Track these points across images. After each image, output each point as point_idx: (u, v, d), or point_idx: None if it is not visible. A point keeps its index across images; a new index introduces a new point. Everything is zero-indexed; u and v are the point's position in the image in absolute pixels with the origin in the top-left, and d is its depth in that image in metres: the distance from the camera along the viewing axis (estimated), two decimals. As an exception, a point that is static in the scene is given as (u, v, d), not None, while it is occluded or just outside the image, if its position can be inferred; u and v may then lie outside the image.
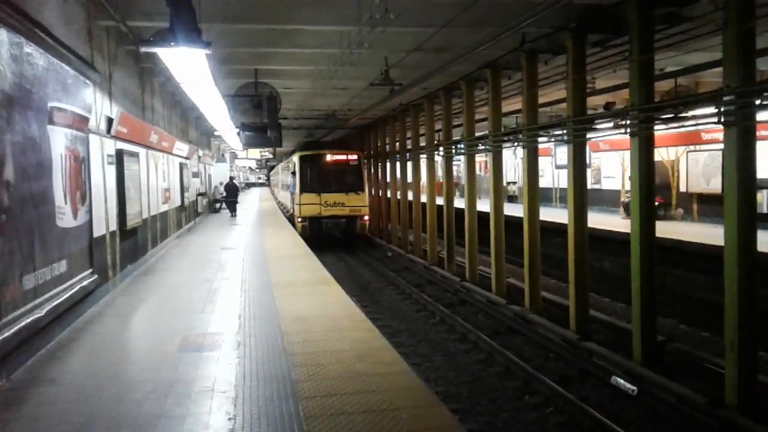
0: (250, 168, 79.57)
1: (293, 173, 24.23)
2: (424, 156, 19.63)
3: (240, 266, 13.03)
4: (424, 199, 20.79)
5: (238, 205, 31.11)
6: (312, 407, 5.17)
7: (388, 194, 24.95)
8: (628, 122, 9.12)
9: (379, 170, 26.38)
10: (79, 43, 8.61)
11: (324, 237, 22.32)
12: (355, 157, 23.34)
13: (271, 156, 46.97)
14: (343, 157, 23.19)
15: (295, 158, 23.91)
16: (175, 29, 7.03)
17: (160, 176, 15.49)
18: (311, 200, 22.59)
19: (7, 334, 5.83)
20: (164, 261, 14.08)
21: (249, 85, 14.96)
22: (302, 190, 22.89)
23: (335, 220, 22.46)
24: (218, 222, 25.71)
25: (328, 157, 23.11)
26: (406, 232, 22.41)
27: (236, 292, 10.21)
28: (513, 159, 29.87)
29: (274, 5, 9.37)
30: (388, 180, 25.23)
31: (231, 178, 33.00)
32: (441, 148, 17.62)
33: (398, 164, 23.26)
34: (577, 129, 10.66)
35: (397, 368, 6.14)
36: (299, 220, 22.69)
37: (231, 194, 29.93)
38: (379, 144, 25.95)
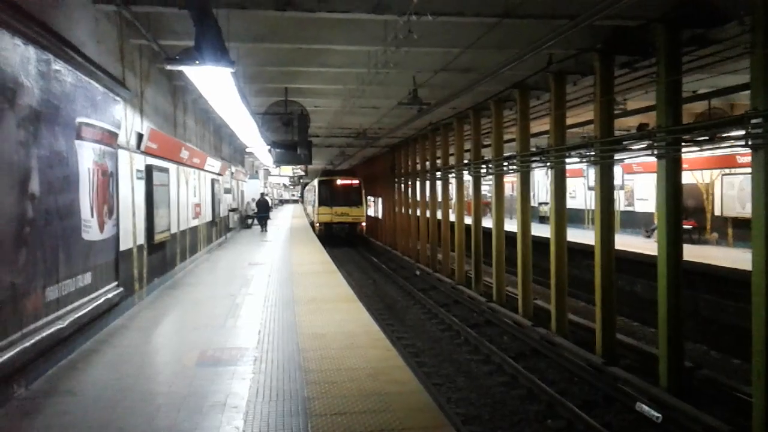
0: (283, 185, 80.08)
1: (314, 193, 35.67)
2: (453, 175, 19.56)
3: (265, 282, 13.12)
4: (453, 218, 20.70)
5: (269, 222, 31.33)
6: (321, 425, 5.14)
7: (418, 213, 24.93)
8: (655, 144, 8.97)
9: (409, 189, 26.37)
10: (111, 60, 8.83)
11: (333, 236, 33.25)
12: (357, 181, 33.92)
13: (303, 173, 47.28)
14: (348, 182, 33.89)
15: (315, 182, 36.27)
16: (201, 47, 7.15)
17: (190, 192, 15.69)
18: (326, 211, 33.63)
19: (26, 345, 5.93)
20: (192, 275, 14.22)
21: (279, 103, 15.14)
22: (320, 204, 33.87)
23: (341, 225, 33.46)
24: (249, 238, 25.91)
25: (338, 182, 33.90)
26: (434, 251, 22.35)
27: (258, 307, 10.26)
28: (545, 179, 29.59)
29: (301, 25, 9.49)
30: (418, 198, 25.22)
31: (262, 194, 33.30)
32: (470, 168, 17.54)
33: (428, 183, 23.26)
34: (605, 150, 10.53)
35: (410, 387, 6.09)
36: (318, 225, 33.49)
37: (262, 210, 30.27)
38: (409, 162, 25.98)
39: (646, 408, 8.70)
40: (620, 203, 22.90)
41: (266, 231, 29.22)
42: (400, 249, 27.69)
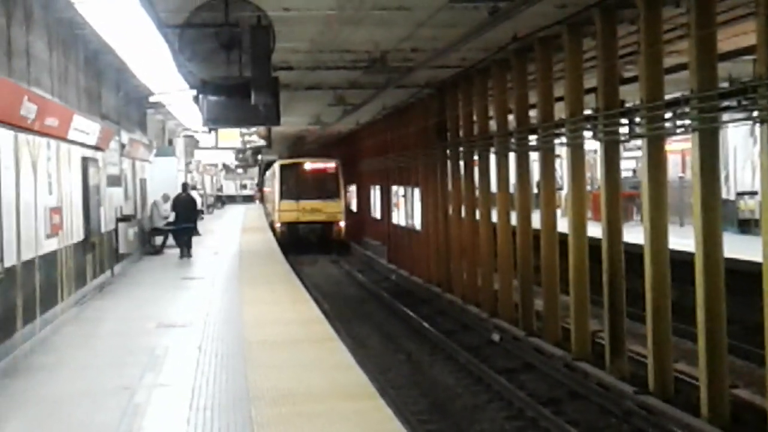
0: (224, 167, 79.94)
1: (275, 182, 45.68)
2: (564, 140, 19.44)
3: (192, 361, 13.17)
4: (562, 225, 20.50)
5: (195, 239, 31.37)
6: None
7: (494, 217, 24.78)
8: None
9: (476, 170, 26.19)
10: None
11: (301, 243, 43.10)
12: (332, 165, 44.14)
13: (264, 143, 46.93)
14: (320, 166, 42.93)
15: (276, 167, 46.05)
16: None
17: (40, 184, 15.67)
18: (290, 207, 45.04)
19: None
20: (48, 349, 14.25)
21: (214, 4, 15.04)
22: (282, 197, 44.61)
23: (311, 226, 44.38)
24: (157, 272, 25.87)
25: (307, 166, 43.36)
26: (530, 293, 22.18)
27: (179, 414, 10.23)
28: (745, 144, 29.38)
29: None
30: (494, 189, 25.05)
31: (185, 187, 33.24)
32: (597, 124, 17.56)
33: (512, 158, 23.10)
34: None
35: None
36: (278, 226, 43.98)
37: (184, 217, 30.49)
38: (474, 118, 25.82)
39: None
40: None
41: (190, 256, 29.43)
42: (458, 290, 27.52)
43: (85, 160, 19.68)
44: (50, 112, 15.57)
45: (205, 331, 15.81)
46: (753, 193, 28.89)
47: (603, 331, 17.90)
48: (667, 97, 15.74)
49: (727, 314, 14.35)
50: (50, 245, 16.38)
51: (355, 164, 50.08)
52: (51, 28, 16.70)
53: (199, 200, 38.91)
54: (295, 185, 46.19)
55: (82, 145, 19.14)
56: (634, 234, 18.66)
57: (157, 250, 31.54)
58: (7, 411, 10.47)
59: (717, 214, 14.35)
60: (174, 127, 40.17)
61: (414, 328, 25.54)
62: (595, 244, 18.71)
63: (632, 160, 37.50)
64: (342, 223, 46.33)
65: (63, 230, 17.42)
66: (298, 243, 43.68)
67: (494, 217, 24.93)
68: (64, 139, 17.24)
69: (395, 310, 28.78)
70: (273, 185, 50.23)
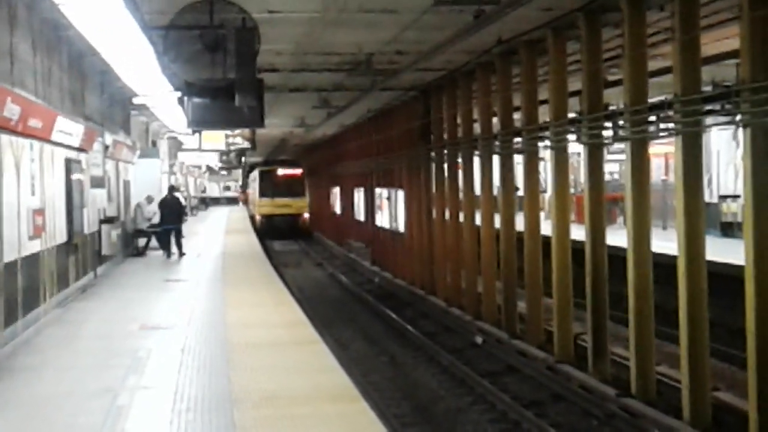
0: (208, 169, 79.92)
1: (255, 184, 58.21)
2: (548, 143, 19.52)
3: (175, 363, 13.18)
4: (545, 228, 20.54)
5: (184, 241, 31.45)
6: None
7: (477, 219, 24.79)
8: None
9: (460, 172, 26.20)
10: None
11: (275, 230, 56.88)
12: (299, 171, 59.84)
13: (248, 146, 47.23)
14: (290, 171, 57.36)
15: (255, 173, 60.45)
16: None
17: (23, 186, 15.65)
18: (266, 203, 58.18)
19: None
20: (31, 350, 14.26)
21: (199, 5, 15.02)
22: (260, 196, 58.63)
23: (283, 217, 57.55)
24: (141, 273, 25.84)
25: (280, 172, 57.37)
26: (513, 296, 22.21)
27: (162, 416, 10.23)
28: (729, 149, 29.42)
29: None
30: (478, 191, 25.06)
31: (171, 189, 33.36)
32: (581, 127, 17.75)
33: (496, 160, 23.13)
34: None
35: None
36: (258, 218, 58.52)
37: (170, 218, 30.60)
38: (458, 120, 25.84)
39: None
40: None
41: (184, 254, 30.11)
42: (441, 292, 27.53)
43: (68, 162, 19.64)
44: (34, 114, 15.54)
45: (188, 333, 15.81)
46: (736, 197, 28.95)
47: (586, 334, 17.95)
48: (651, 100, 15.80)
49: (710, 317, 14.43)
50: (33, 247, 16.35)
51: (339, 166, 50.15)
52: (35, 29, 16.66)
53: (183, 201, 38.93)
54: (271, 186, 59.77)
55: (66, 146, 19.10)
56: (618, 237, 18.69)
57: (141, 252, 31.53)
58: (-9, 412, 10.48)
59: (700, 217, 14.40)
60: (158, 128, 40.09)
61: (397, 330, 25.55)
62: (578, 246, 18.75)
63: (616, 164, 37.53)
64: (306, 215, 61.05)
65: (46, 232, 17.39)
66: (273, 231, 57.18)
67: (478, 220, 24.95)
68: (48, 141, 17.20)
69: (378, 312, 28.78)
70: (254, 187, 64.68)
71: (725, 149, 29.96)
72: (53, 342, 15.30)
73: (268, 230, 56.76)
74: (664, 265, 16.36)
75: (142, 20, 14.46)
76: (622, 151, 20.29)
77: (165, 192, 32.23)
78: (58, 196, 18.70)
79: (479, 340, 22.59)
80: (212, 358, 13.44)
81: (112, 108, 27.37)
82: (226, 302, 19.72)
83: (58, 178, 18.73)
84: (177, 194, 34.19)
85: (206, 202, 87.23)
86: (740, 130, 14.31)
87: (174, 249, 30.74)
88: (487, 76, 23.21)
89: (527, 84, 20.41)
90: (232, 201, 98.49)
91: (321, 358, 13.48)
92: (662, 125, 15.22)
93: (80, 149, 20.77)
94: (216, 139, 43.06)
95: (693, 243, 14.29)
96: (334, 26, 18.06)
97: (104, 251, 25.15)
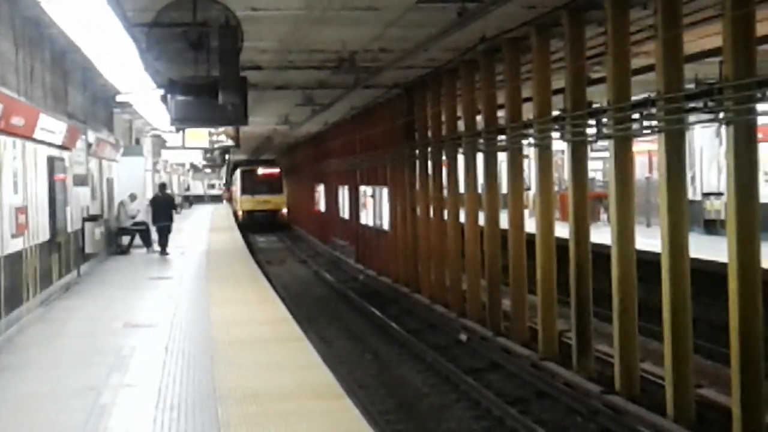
0: (192, 167, 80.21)
1: (237, 182, 65.01)
2: (532, 140, 19.58)
3: (159, 361, 13.15)
4: (529, 227, 20.56)
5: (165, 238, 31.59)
6: None
7: (462, 217, 24.79)
8: None
9: (444, 170, 26.22)
10: None
11: (256, 224, 62.09)
12: (277, 170, 66.31)
13: (232, 143, 47.13)
14: (269, 171, 64.48)
15: (237, 172, 67.21)
16: None
17: (5, 184, 15.59)
18: (248, 200, 63.76)
19: None
20: (13, 349, 14.22)
21: (182, 2, 14.99)
22: (242, 193, 64.81)
23: (263, 212, 63.60)
24: (124, 271, 25.80)
25: (260, 171, 64.14)
26: (497, 293, 22.23)
27: (145, 414, 10.21)
28: (711, 145, 29.49)
29: None
30: (462, 189, 25.07)
31: (162, 187, 33.60)
32: (565, 125, 17.71)
33: (480, 157, 23.14)
34: None
35: None
36: (240, 213, 63.97)
37: (162, 215, 31.04)
38: (443, 118, 25.84)
39: None
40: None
41: (167, 253, 30.16)
42: (426, 290, 27.53)
43: (51, 160, 19.58)
44: (16, 112, 15.49)
45: (172, 331, 15.77)
46: (719, 194, 29.06)
47: (570, 331, 17.98)
48: (634, 98, 15.82)
49: (693, 314, 14.46)
50: (15, 245, 16.29)
51: (324, 164, 50.11)
52: (17, 26, 16.60)
53: (174, 198, 39.17)
54: (251, 184, 65.82)
55: (49, 144, 19.05)
56: (602, 234, 18.71)
57: (124, 250, 31.47)
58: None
59: (683, 214, 14.42)
60: (141, 126, 40.00)
61: (382, 327, 25.54)
62: (562, 244, 18.76)
63: (600, 161, 37.62)
64: (284, 210, 67.38)
65: (29, 230, 17.33)
66: (254, 225, 62.32)
67: (462, 218, 24.95)
68: (30, 139, 17.14)
69: (363, 310, 28.75)
70: (236, 184, 70.73)
71: (708, 147, 30.09)
72: (36, 341, 15.26)
73: (250, 224, 61.48)
74: (648, 262, 16.40)
75: (125, 17, 14.42)
76: (605, 149, 20.39)
77: (149, 190, 32.25)
78: (41, 194, 18.63)
79: (464, 337, 22.59)
80: (196, 356, 13.40)
81: (95, 106, 27.32)
82: (210, 300, 19.68)
83: (40, 176, 18.66)
84: (168, 192, 34.42)
85: (190, 200, 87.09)
86: (723, 128, 14.32)
87: (156, 247, 31.09)
88: (471, 73, 23.20)
89: (511, 81, 20.41)
90: (216, 199, 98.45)
91: (305, 355, 13.45)
92: (645, 123, 15.25)
93: (63, 147, 20.71)
94: (200, 136, 42.86)
95: (676, 240, 14.30)
96: (318, 24, 18.02)
97: (88, 249, 25.09)
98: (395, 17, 17.43)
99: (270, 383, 11.50)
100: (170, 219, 31.86)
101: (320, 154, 52.03)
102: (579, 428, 15.36)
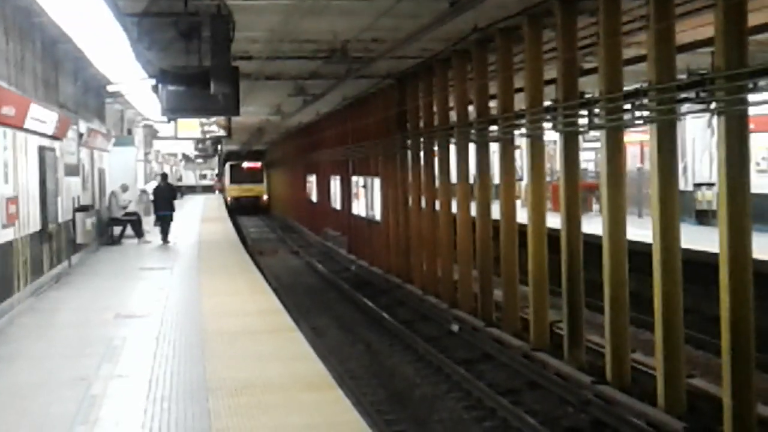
0: (184, 157, 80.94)
1: (227, 174, 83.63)
2: (524, 130, 19.62)
3: (150, 351, 13.17)
4: (521, 217, 20.57)
5: (155, 229, 31.94)
6: None
7: (453, 208, 24.81)
8: None
9: (435, 160, 26.23)
10: None
11: (243, 209, 76.05)
12: (259, 165, 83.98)
13: (224, 134, 47.16)
14: (253, 165, 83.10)
15: (226, 166, 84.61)
16: None
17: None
18: (235, 188, 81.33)
19: None
20: (3, 340, 14.25)
21: (172, -7, 15.02)
22: (231, 183, 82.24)
23: (247, 198, 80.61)
24: (116, 262, 25.77)
25: (245, 165, 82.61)
26: (489, 284, 22.25)
27: (136, 405, 10.22)
28: (703, 136, 29.51)
29: None
30: (454, 180, 25.08)
31: (164, 177, 34.27)
32: (556, 115, 17.82)
33: (472, 148, 23.15)
34: None
35: None
36: (229, 198, 79.43)
37: (164, 204, 31.41)
38: (434, 109, 25.86)
39: None
40: None
41: (168, 242, 30.63)
42: (418, 281, 27.55)
43: (42, 150, 19.56)
44: (6, 101, 15.47)
45: (163, 321, 15.76)
46: (710, 185, 29.09)
47: (561, 322, 17.99)
48: (626, 88, 15.85)
49: (684, 305, 14.49)
50: (6, 235, 16.30)
51: (316, 154, 50.03)
52: (8, 16, 16.57)
53: (175, 187, 39.41)
54: (238, 176, 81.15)
55: (40, 134, 19.02)
56: (593, 225, 18.73)
57: (116, 241, 31.48)
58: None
59: (675, 205, 14.45)
60: (133, 116, 40.01)
61: (373, 318, 25.57)
62: (554, 234, 18.78)
63: (591, 152, 37.62)
64: (265, 197, 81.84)
65: (19, 220, 17.32)
66: (240, 208, 74.44)
67: (454, 208, 24.96)
68: (21, 128, 17.12)
69: (355, 300, 28.77)
70: (226, 176, 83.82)
71: (700, 137, 30.13)
72: (27, 331, 15.25)
73: (237, 208, 73.71)
74: (640, 252, 16.41)
75: (116, 7, 14.41)
76: (597, 139, 20.43)
77: (140, 180, 32.33)
78: (31, 184, 18.61)
79: (455, 327, 22.59)
80: (187, 347, 13.42)
81: (86, 95, 27.29)
82: (201, 290, 19.71)
83: (31, 166, 18.64)
84: (169, 182, 34.65)
85: (182, 191, 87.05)
86: (715, 118, 14.35)
87: (147, 238, 31.42)
88: (463, 63, 23.20)
89: (503, 72, 20.40)
90: (208, 189, 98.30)
91: (296, 346, 13.49)
92: (637, 113, 15.27)
93: (54, 137, 20.68)
94: (191, 127, 42.84)
95: (668, 231, 14.33)
96: (310, 13, 17.99)
97: (79, 240, 25.09)
98: (387, 7, 17.41)
99: (261, 374, 11.51)
100: (172, 208, 32.11)
101: (312, 145, 51.74)
102: (570, 418, 15.38)
